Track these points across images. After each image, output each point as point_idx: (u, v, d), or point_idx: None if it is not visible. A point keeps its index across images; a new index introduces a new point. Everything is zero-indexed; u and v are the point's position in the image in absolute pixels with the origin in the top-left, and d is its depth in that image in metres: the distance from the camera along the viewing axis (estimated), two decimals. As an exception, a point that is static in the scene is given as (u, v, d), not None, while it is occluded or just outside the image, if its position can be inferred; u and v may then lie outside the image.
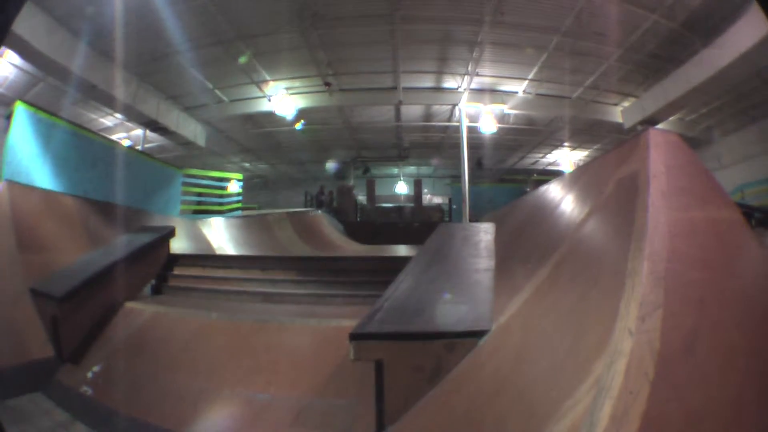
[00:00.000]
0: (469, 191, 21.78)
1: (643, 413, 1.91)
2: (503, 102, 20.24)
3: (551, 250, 4.40)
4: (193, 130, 22.71)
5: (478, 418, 3.27)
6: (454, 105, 20.87)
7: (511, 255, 5.89)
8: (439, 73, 18.77)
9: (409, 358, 4.31)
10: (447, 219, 28.05)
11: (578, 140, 25.89)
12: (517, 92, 19.84)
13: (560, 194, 5.80)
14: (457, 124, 21.60)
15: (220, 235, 16.89)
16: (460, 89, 19.79)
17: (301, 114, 21.65)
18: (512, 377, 3.34)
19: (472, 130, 21.28)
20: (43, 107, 11.30)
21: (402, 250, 16.59)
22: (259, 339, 6.43)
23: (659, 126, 17.57)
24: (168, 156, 23.02)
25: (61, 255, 8.51)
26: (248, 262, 10.99)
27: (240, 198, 22.60)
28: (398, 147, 28.32)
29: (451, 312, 4.80)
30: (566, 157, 29.26)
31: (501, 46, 16.22)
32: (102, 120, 21.98)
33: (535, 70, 17.80)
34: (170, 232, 10.64)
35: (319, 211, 24.53)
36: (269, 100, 20.59)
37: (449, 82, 19.52)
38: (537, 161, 30.77)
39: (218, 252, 15.02)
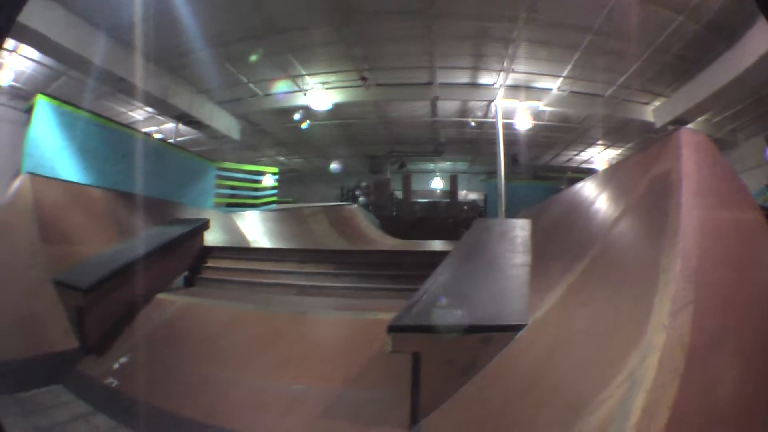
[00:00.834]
0: (504, 188, 21.68)
1: (673, 406, 1.96)
2: (538, 99, 20.15)
3: (586, 247, 4.44)
4: (227, 124, 22.72)
5: (512, 411, 3.32)
6: (490, 101, 20.75)
7: (547, 251, 5.93)
8: (475, 69, 18.62)
9: (445, 351, 4.36)
10: (483, 215, 27.75)
11: (611, 139, 25.66)
12: (551, 89, 19.70)
13: (594, 192, 5.85)
14: (492, 120, 21.60)
15: (255, 228, 16.98)
16: (495, 85, 19.69)
17: (337, 108, 21.56)
18: (547, 371, 3.39)
19: (507, 127, 21.17)
20: (65, 100, 11.33)
21: (438, 245, 16.56)
22: (292, 330, 6.47)
23: (689, 126, 17.45)
24: (201, 149, 22.95)
25: (88, 246, 8.52)
26: (284, 255, 10.96)
27: (275, 192, 22.62)
28: (434, 142, 28.15)
29: (488, 306, 4.83)
30: (599, 156, 29.05)
31: (536, 44, 16.13)
32: (131, 114, 22.04)
33: (569, 67, 17.67)
34: (204, 224, 10.68)
35: (355, 205, 24.45)
36: (305, 95, 20.57)
37: (485, 78, 19.40)
38: (571, 159, 30.56)
39: (253, 245, 15.08)
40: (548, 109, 20.98)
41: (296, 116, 21.42)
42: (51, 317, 6.84)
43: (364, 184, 31.42)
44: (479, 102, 21.44)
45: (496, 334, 4.30)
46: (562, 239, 5.73)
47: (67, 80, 17.25)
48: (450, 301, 5.05)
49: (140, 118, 22.64)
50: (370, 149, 30.00)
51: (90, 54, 14.53)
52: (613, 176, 5.86)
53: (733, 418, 1.98)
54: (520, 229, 7.79)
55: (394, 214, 29.58)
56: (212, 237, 11.64)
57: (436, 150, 28.97)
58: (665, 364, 2.11)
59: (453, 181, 32.50)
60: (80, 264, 7.80)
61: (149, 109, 21.02)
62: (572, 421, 2.45)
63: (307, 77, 19.63)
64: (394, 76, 19.41)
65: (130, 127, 15.94)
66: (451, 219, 27.70)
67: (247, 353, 6.10)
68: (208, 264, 10.11)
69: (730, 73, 14.96)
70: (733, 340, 2.21)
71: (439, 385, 4.32)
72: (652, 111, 20.68)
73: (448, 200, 32.02)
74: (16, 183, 8.48)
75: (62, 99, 11.22)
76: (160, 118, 22.13)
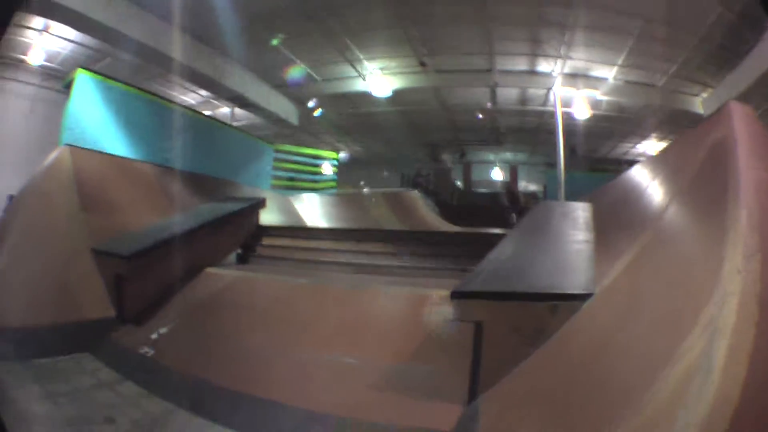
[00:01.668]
0: (563, 179, 21.45)
1: (751, 353, 1.92)
2: (595, 88, 19.93)
3: (649, 219, 4.39)
4: (285, 108, 22.67)
5: (582, 378, 3.23)
6: (549, 89, 20.58)
7: (609, 228, 5.83)
8: (533, 55, 18.51)
9: (511, 321, 4.29)
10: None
11: (665, 130, 25.16)
12: (607, 79, 19.49)
13: (653, 170, 5.78)
14: (551, 109, 21.40)
15: (314, 211, 17.08)
16: (553, 73, 19.53)
17: (397, 95, 21.47)
18: (619, 334, 3.32)
19: (566, 116, 20.92)
20: (109, 75, 11.29)
21: (496, 230, 16.53)
22: (347, 304, 6.41)
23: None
24: (259, 134, 22.24)
25: (135, 219, 8.46)
26: (341, 234, 11.01)
27: (335, 178, 22.88)
28: (494, 131, 27.95)
29: (554, 276, 4.76)
30: (654, 148, 28.66)
31: (591, 30, 16.02)
32: (184, 98, 21.78)
33: (623, 55, 17.50)
34: (260, 202, 10.69)
35: (416, 191, 24.34)
36: (364, 80, 20.52)
37: (543, 66, 19.26)
38: (627, 152, 30.10)
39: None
40: (605, 98, 20.73)
41: (310, 104, 21.22)
42: (87, 286, 6.82)
43: (425, 172, 31.36)
44: (538, 90, 21.26)
45: (563, 303, 4.20)
46: (623, 216, 5.62)
47: (112, 61, 16.90)
48: (515, 272, 5.00)
49: (193, 102, 22.55)
50: (431, 137, 29.90)
51: (133, 32, 14.48)
52: (669, 153, 5.94)
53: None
54: (582, 210, 7.70)
55: (455, 203, 29.44)
56: (269, 218, 11.71)
57: (497, 139, 28.72)
58: (743, 310, 2.07)
59: (513, 171, 32.43)
60: (124, 234, 7.79)
61: (203, 92, 21.08)
62: (652, 376, 2.39)
63: (365, 62, 19.53)
64: (454, 62, 19.29)
65: (180, 105, 15.86)
66: (511, 209, 27.61)
67: (297, 326, 6.04)
68: (264, 242, 10.13)
69: (764, 65, 14.83)
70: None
71: (501, 357, 4.24)
72: (700, 102, 20.33)
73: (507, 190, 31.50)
74: (54, 154, 8.39)
75: (104, 74, 11.20)
76: (215, 102, 22.23)
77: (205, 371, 5.20)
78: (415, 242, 9.39)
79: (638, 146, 29.15)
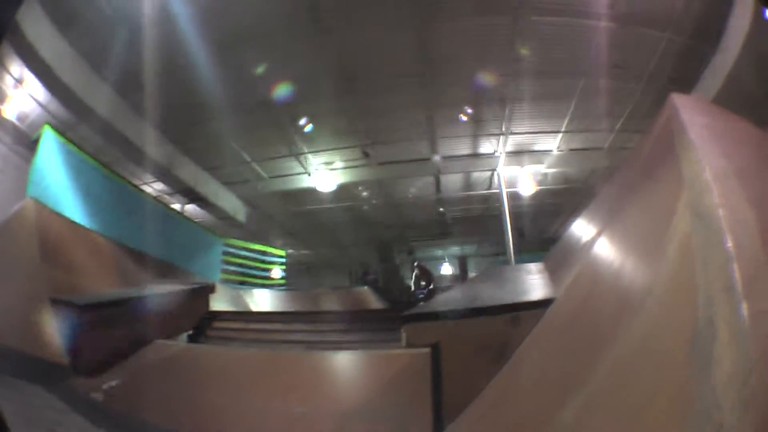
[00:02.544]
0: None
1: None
2: (540, 162, 20.17)
3: (607, 215, 4.32)
4: (233, 205, 22.71)
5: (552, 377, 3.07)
6: (493, 170, 20.84)
7: (562, 260, 5.77)
8: (475, 136, 18.81)
9: (470, 339, 4.19)
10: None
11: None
12: (551, 150, 19.74)
13: (603, 192, 5.79)
14: (496, 191, 21.53)
15: (266, 307, 16.90)
16: (497, 153, 19.82)
17: (342, 190, 21.73)
18: (583, 311, 3.22)
19: (512, 198, 21.21)
20: (74, 141, 11.45)
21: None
22: (298, 366, 6.43)
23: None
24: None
25: (90, 283, 8.50)
26: (294, 317, 10.97)
27: (285, 277, 22.94)
28: (441, 224, 28.14)
29: (510, 294, 4.68)
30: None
31: (531, 99, 16.27)
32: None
33: (566, 121, 17.70)
34: (211, 286, 10.68)
35: (366, 287, 24.26)
36: (309, 175, 20.73)
37: (486, 147, 19.58)
38: (577, 227, 30.37)
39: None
40: (550, 170, 20.93)
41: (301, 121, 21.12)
42: (42, 331, 6.71)
43: (372, 274, 31.48)
44: (482, 173, 21.44)
45: (525, 312, 4.06)
46: (575, 244, 5.58)
47: (74, 136, 16.48)
48: (470, 297, 4.91)
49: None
50: (378, 234, 30.01)
51: (95, 104, 14.28)
52: (616, 174, 5.85)
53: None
54: (533, 265, 7.69)
55: (406, 300, 29.52)
56: (220, 307, 11.49)
57: (443, 232, 28.94)
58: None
59: (462, 263, 32.77)
60: (81, 295, 7.71)
61: (156, 186, 20.72)
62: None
63: (310, 156, 19.78)
64: (397, 152, 19.57)
65: (137, 186, 15.91)
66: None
67: (250, 382, 6.03)
68: (215, 326, 9.88)
69: (720, 78, 13.73)
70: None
71: (466, 380, 4.06)
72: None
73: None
74: (20, 203, 8.66)
75: (69, 138, 11.40)
76: (166, 197, 21.96)
77: (151, 416, 5.14)
78: (367, 321, 9.32)
79: (588, 220, 29.24)
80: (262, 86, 15.28)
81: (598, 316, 2.88)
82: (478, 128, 18.19)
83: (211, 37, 13.00)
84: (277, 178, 21.46)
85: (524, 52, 13.98)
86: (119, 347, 7.18)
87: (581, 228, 6.17)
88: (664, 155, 3.17)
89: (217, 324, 9.88)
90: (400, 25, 13.53)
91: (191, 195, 20.44)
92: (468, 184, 23.15)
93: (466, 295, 5.31)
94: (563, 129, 18.26)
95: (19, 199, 9.16)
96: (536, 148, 19.64)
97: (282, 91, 15.42)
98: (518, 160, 20.02)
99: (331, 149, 19.47)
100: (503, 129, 18.05)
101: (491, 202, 23.92)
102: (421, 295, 18.92)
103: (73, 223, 10.04)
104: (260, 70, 14.63)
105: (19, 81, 14.44)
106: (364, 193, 23.57)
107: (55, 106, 15.23)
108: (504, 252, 22.15)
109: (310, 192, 21.96)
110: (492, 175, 21.45)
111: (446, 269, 35.47)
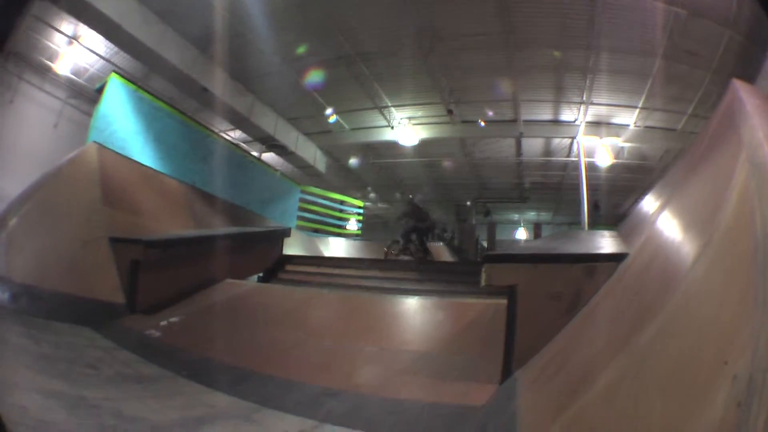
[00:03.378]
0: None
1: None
2: (617, 135, 19.88)
3: (673, 187, 4.42)
4: (312, 154, 22.57)
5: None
6: (573, 138, 20.62)
7: (637, 224, 5.85)
8: (557, 102, 18.63)
9: (546, 285, 4.30)
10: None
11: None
12: (629, 125, 19.42)
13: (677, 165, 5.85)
14: (575, 159, 21.36)
15: (339, 254, 16.97)
16: (577, 122, 19.62)
17: (424, 145, 21.51)
18: (653, 262, 3.38)
19: (590, 168, 20.95)
20: (144, 87, 11.32)
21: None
22: (370, 308, 6.52)
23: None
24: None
25: (157, 225, 8.49)
26: (366, 264, 11.05)
27: (360, 228, 23.06)
28: (519, 188, 27.77)
29: (586, 246, 4.78)
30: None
31: (611, 73, 16.17)
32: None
33: (642, 98, 17.46)
34: (285, 230, 10.81)
35: (441, 244, 24.30)
36: (392, 128, 20.56)
37: (566, 114, 19.41)
38: (650, 206, 29.69)
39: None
40: (627, 145, 20.60)
41: (327, 111, 20.84)
42: (99, 270, 6.79)
43: (448, 232, 31.35)
44: (563, 139, 21.32)
45: (599, 264, 4.21)
46: (645, 213, 5.65)
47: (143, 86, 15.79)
48: (546, 248, 5.01)
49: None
50: (456, 194, 29.92)
51: (168, 54, 14.09)
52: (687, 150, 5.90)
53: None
54: (607, 233, 7.72)
55: (480, 260, 29.24)
56: (294, 252, 11.60)
57: (521, 196, 28.72)
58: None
59: (536, 229, 32.49)
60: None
61: (233, 134, 20.98)
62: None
63: (394, 110, 19.69)
64: (480, 112, 19.45)
65: (212, 130, 15.75)
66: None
67: (322, 323, 6.09)
68: (287, 269, 10.10)
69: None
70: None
71: (537, 327, 4.24)
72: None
73: (531, 248, 31.30)
74: (81, 148, 8.52)
75: (139, 84, 11.28)
76: (243, 145, 21.72)
77: (211, 352, 5.16)
78: (440, 272, 9.40)
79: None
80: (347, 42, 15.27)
81: (666, 264, 3.05)
82: (559, 95, 18.05)
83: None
84: (359, 129, 21.40)
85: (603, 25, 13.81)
86: (183, 285, 7.29)
87: (653, 199, 6.25)
88: (726, 128, 3.36)
89: (290, 267, 10.13)
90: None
91: (270, 142, 20.46)
92: (548, 151, 22.93)
93: (544, 245, 5.41)
94: (640, 105, 17.98)
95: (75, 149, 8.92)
96: (614, 121, 19.37)
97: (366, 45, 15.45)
98: (597, 131, 19.76)
99: (416, 104, 19.35)
100: (584, 98, 17.86)
101: (569, 170, 23.71)
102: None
103: (143, 166, 10.00)
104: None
105: (74, 38, 14.57)
106: (446, 152, 23.37)
107: (121, 58, 15.29)
108: (579, 222, 21.73)
109: (392, 146, 21.87)
110: (571, 143, 21.23)
111: (521, 234, 35.23)
